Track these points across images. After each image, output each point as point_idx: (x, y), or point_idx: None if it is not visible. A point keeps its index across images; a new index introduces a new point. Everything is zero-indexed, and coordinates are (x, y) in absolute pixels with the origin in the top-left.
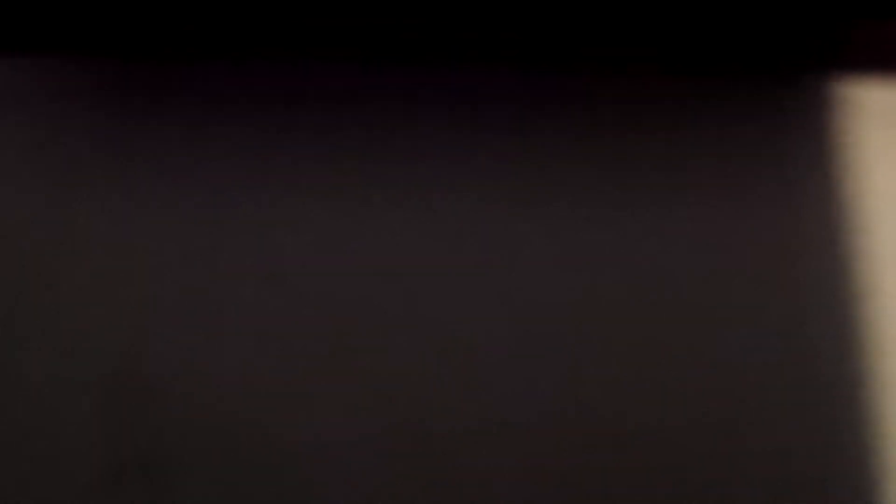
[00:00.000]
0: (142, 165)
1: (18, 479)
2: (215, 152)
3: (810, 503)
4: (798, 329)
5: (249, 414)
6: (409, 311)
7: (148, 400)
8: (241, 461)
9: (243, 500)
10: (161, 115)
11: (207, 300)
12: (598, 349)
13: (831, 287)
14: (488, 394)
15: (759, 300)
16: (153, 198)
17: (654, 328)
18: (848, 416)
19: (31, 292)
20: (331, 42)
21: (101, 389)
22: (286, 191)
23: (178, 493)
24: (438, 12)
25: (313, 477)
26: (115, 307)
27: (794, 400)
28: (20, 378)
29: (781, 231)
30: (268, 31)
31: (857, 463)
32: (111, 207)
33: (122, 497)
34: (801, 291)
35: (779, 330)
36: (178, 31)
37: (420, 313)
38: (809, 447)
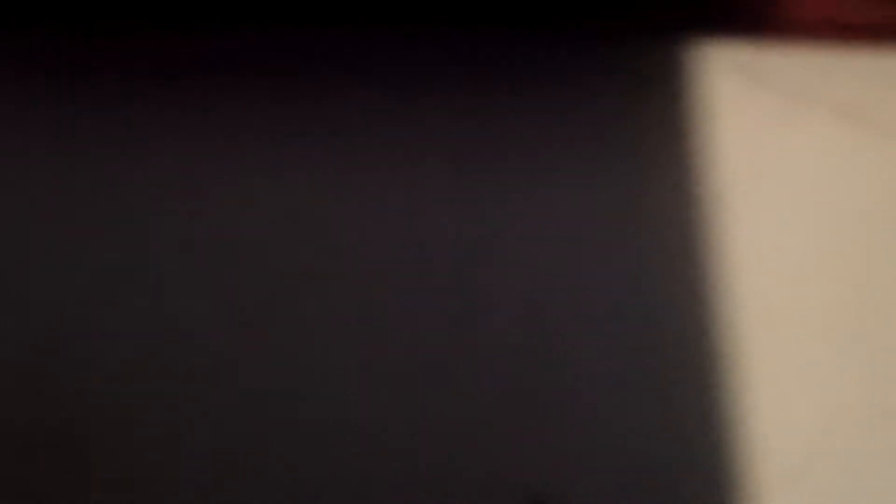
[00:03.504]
0: (70, 140)
1: None
2: (154, 127)
3: (667, 497)
4: (649, 305)
5: (175, 383)
6: (347, 281)
7: (65, 371)
8: (159, 433)
9: (161, 472)
10: (92, 91)
11: (133, 274)
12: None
13: (683, 259)
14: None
15: (611, 278)
16: (76, 175)
17: (492, 311)
18: (700, 400)
19: None
20: (266, 8)
21: (16, 359)
22: (222, 161)
23: (93, 466)
24: None
25: (238, 446)
26: (37, 282)
27: (645, 383)
28: None
29: (632, 199)
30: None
31: (713, 458)
32: (33, 186)
33: (36, 470)
34: (651, 265)
35: (628, 307)
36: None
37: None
38: (661, 438)
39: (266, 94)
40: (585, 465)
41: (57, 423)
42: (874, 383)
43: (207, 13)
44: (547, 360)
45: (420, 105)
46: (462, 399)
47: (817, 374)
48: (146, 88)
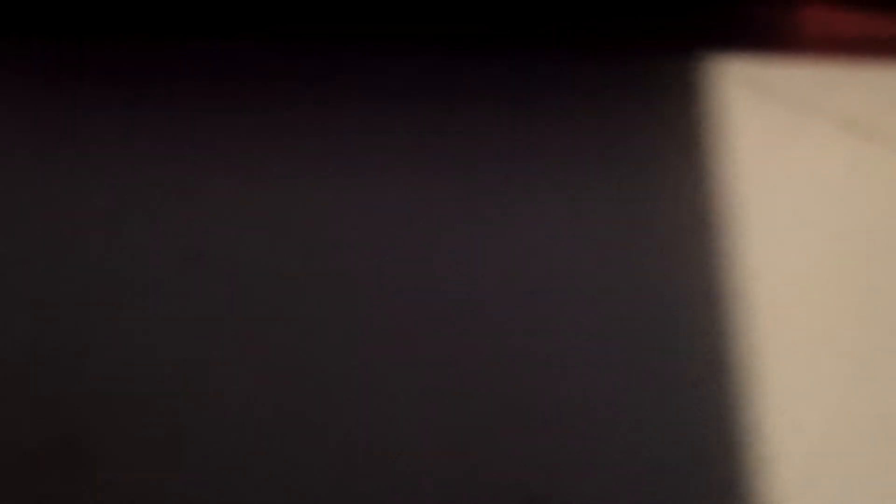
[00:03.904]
0: (76, 144)
1: None
2: (144, 133)
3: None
4: (659, 312)
5: (177, 390)
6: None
7: (73, 376)
8: (167, 438)
9: (169, 477)
10: (86, 96)
11: (134, 277)
12: (458, 340)
13: (694, 268)
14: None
15: (622, 286)
16: (73, 179)
17: (498, 315)
18: (717, 407)
19: None
20: (253, 20)
21: (21, 369)
22: (210, 168)
23: (100, 474)
24: None
25: (238, 452)
26: (41, 286)
27: (662, 392)
28: None
29: (644, 209)
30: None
31: (718, 462)
32: (34, 191)
33: (44, 478)
34: (662, 274)
35: (637, 313)
36: (102, 9)
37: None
38: (665, 443)
39: (277, 101)
40: (588, 470)
41: (63, 431)
42: (882, 392)
43: (218, 21)
44: (554, 364)
45: (441, 119)
46: (464, 400)
47: (825, 381)
48: (150, 93)
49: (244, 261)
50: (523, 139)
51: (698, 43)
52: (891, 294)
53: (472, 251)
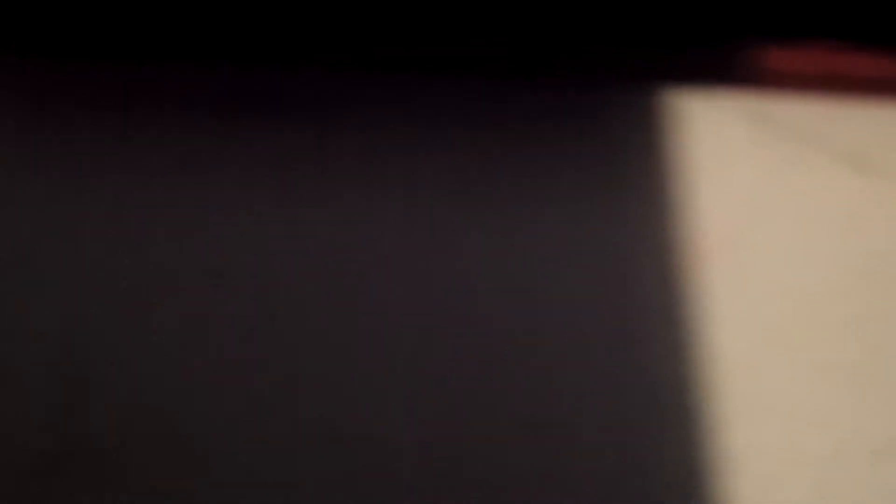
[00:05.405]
0: (103, 167)
1: None
2: (149, 148)
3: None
4: (629, 338)
5: (190, 400)
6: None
7: (89, 385)
8: (182, 446)
9: (184, 484)
10: (87, 113)
11: (147, 290)
12: (431, 353)
13: (661, 292)
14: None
15: (590, 311)
16: (92, 191)
17: (473, 340)
18: (678, 420)
19: None
20: (256, 47)
21: (41, 375)
22: (218, 187)
23: (119, 478)
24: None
25: (256, 457)
26: (56, 295)
27: (626, 409)
28: None
29: (613, 241)
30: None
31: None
32: (58, 201)
33: (63, 482)
34: (631, 300)
35: (609, 338)
36: (107, 31)
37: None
38: (669, 465)
39: (297, 126)
40: (584, 481)
41: (85, 438)
42: (886, 417)
43: (242, 51)
44: (546, 381)
45: (434, 146)
46: (465, 412)
47: (826, 405)
48: (172, 120)
49: (265, 277)
50: (548, 172)
51: (704, 77)
52: (889, 322)
53: (466, 272)
